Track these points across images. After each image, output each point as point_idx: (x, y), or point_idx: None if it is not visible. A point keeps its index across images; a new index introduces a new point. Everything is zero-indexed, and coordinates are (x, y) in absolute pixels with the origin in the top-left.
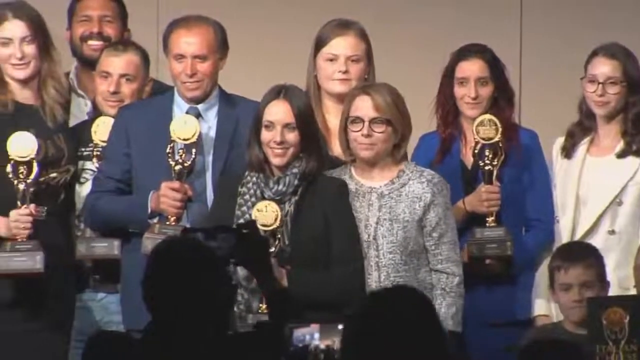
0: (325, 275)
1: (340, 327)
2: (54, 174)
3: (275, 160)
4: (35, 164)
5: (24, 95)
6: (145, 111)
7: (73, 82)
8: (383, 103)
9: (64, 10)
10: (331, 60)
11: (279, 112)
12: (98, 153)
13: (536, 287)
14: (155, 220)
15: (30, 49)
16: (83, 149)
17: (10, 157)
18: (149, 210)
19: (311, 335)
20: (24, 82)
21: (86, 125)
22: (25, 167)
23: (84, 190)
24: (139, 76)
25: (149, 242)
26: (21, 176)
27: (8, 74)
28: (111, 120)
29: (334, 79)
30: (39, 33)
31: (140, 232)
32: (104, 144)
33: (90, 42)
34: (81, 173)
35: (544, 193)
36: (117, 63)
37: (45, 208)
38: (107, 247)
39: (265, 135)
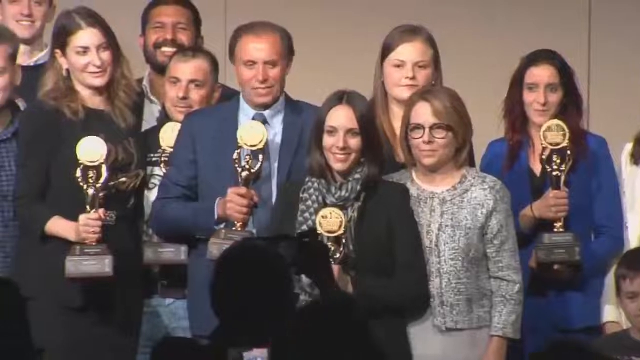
0: (390, 282)
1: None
2: (123, 179)
3: (337, 166)
4: (104, 169)
5: (93, 101)
6: (211, 117)
7: (146, 89)
8: (442, 108)
9: (132, 16)
10: (398, 66)
11: (341, 117)
12: (166, 159)
13: (605, 293)
14: (221, 226)
15: (106, 56)
16: (152, 155)
17: (79, 162)
18: (216, 216)
19: (261, 358)
20: (97, 89)
21: (155, 131)
22: (94, 171)
23: (152, 195)
24: (207, 82)
25: (214, 248)
26: (90, 181)
27: (85, 82)
28: (179, 126)
29: (400, 85)
30: (111, 39)
31: (206, 238)
32: (171, 150)
33: (163, 49)
34: (149, 179)
35: (613, 199)
36: (186, 69)
37: (115, 213)
38: (174, 253)
39: (327, 140)
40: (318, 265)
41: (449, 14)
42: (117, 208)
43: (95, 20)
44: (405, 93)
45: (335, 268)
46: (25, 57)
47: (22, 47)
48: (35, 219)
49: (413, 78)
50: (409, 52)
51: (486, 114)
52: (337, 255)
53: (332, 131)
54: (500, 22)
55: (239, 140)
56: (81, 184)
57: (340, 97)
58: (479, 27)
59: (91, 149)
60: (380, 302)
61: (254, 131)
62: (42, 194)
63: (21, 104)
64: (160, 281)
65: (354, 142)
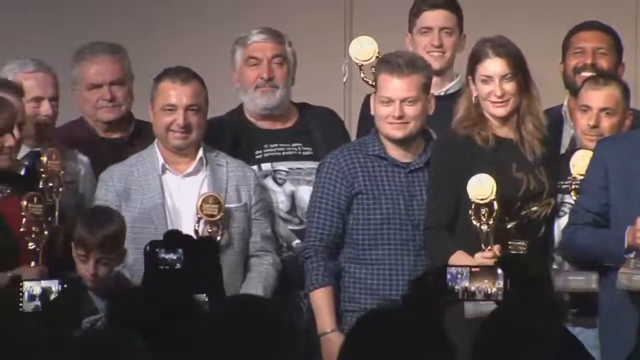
0: None
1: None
2: (535, 208)
3: None
4: (495, 205)
5: (503, 130)
6: (624, 144)
7: (565, 114)
8: None
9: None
10: None
11: None
12: (576, 187)
13: None
14: (631, 256)
15: (509, 87)
16: (562, 182)
17: (471, 200)
18: (625, 245)
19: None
20: (504, 118)
21: (565, 158)
22: (486, 208)
23: (562, 223)
24: (618, 110)
25: (624, 278)
26: (483, 218)
27: (487, 111)
28: (590, 154)
29: None
30: (519, 70)
31: (616, 266)
32: (582, 178)
33: (582, 74)
34: (560, 206)
35: None
36: (597, 97)
37: (526, 242)
38: (585, 281)
39: None
40: None
41: None
42: (528, 237)
43: (504, 50)
44: None
45: None
46: (437, 87)
47: (434, 78)
48: (441, 252)
49: None
50: None
51: None
52: None
53: None
54: None
55: None
56: (474, 222)
57: None
58: None
59: (481, 187)
60: None
61: None
62: (451, 226)
63: (433, 133)
64: (570, 309)
65: None
